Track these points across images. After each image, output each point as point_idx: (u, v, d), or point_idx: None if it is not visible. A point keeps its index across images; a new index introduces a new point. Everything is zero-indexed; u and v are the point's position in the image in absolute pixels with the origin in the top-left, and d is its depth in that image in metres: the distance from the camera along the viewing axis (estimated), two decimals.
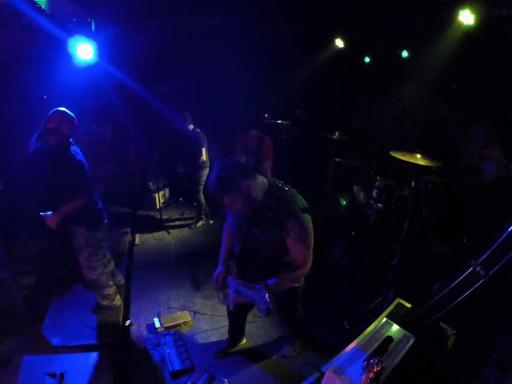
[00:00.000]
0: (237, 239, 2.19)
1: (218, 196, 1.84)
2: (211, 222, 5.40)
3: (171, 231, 5.10)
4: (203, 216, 5.31)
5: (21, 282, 3.36)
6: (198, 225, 5.26)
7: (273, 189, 1.96)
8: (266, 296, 1.79)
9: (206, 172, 5.03)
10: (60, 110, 2.69)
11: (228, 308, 2.62)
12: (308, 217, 1.95)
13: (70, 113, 2.72)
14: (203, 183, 5.08)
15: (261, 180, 1.97)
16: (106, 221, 3.04)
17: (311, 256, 2.01)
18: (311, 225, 1.96)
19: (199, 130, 4.89)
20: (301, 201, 1.98)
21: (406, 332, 1.88)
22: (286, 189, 1.99)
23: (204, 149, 4.83)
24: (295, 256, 1.99)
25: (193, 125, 4.88)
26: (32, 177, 2.95)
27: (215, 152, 5.59)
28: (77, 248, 2.88)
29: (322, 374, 1.71)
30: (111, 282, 3.13)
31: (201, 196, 5.14)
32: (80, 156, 2.76)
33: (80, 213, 2.75)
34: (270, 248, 2.04)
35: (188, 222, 5.40)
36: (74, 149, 2.75)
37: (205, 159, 4.89)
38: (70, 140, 2.76)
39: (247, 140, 4.31)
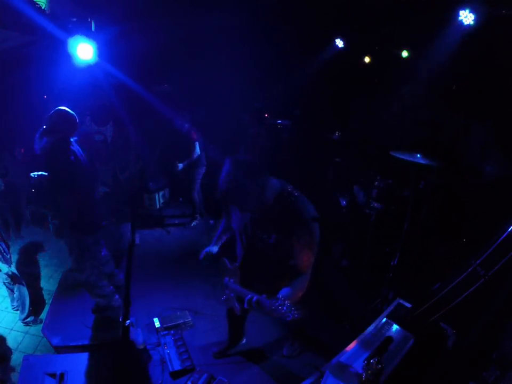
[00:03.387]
0: (241, 242, 2.17)
1: (229, 192, 1.80)
2: (210, 222, 5.40)
3: (171, 230, 5.10)
4: (197, 215, 5.31)
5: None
6: (192, 224, 5.26)
7: (283, 193, 1.93)
8: (288, 305, 1.74)
9: (201, 170, 5.04)
10: (60, 110, 2.67)
11: (228, 310, 2.62)
12: (317, 226, 1.93)
13: (70, 112, 2.70)
14: (197, 181, 5.09)
15: (273, 182, 1.93)
16: (103, 223, 3.02)
17: (312, 263, 1.99)
18: (318, 234, 1.94)
19: (194, 129, 4.91)
20: (311, 209, 1.95)
21: (406, 332, 1.88)
22: (296, 194, 1.96)
23: (197, 144, 4.84)
24: (300, 262, 1.97)
25: (189, 123, 4.90)
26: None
27: (214, 153, 5.59)
28: (68, 248, 2.89)
29: (322, 374, 1.71)
30: (103, 283, 3.11)
31: (195, 194, 5.14)
32: (78, 158, 2.72)
33: (72, 215, 2.75)
34: (276, 253, 2.02)
35: (187, 222, 5.40)
36: (74, 149, 2.72)
37: (199, 153, 4.89)
38: (71, 140, 2.74)
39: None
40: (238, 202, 1.88)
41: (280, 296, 1.82)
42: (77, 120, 2.74)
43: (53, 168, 2.65)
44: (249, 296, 1.92)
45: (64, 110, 2.68)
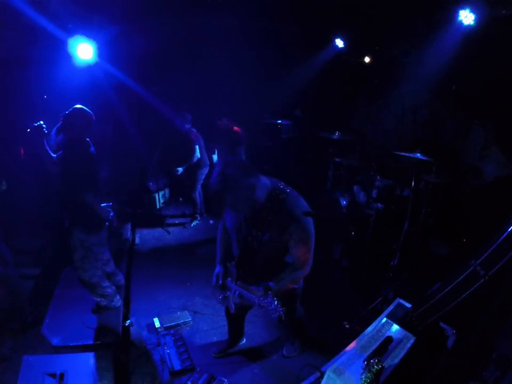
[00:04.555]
0: (237, 241, 2.18)
1: (220, 194, 1.83)
2: (210, 222, 5.40)
3: (171, 230, 5.10)
4: (197, 215, 5.31)
5: (21, 281, 3.36)
6: (192, 224, 5.26)
7: (275, 191, 1.95)
8: (276, 303, 1.77)
9: (204, 170, 5.03)
10: (77, 108, 2.69)
11: (226, 309, 2.63)
12: (310, 220, 1.94)
13: (87, 111, 2.72)
14: (200, 181, 5.08)
15: (264, 181, 1.95)
16: (107, 224, 3.02)
17: (311, 258, 2.01)
18: (313, 228, 1.96)
19: (193, 130, 4.90)
20: (303, 204, 1.97)
21: (406, 331, 1.87)
22: (288, 191, 1.97)
23: (197, 147, 4.83)
24: (296, 257, 1.99)
25: (189, 123, 4.89)
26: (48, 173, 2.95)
27: (214, 152, 5.59)
28: (72, 247, 2.89)
29: (322, 374, 1.71)
30: (106, 284, 3.11)
31: (197, 194, 5.14)
32: (93, 157, 2.77)
33: (77, 214, 2.76)
34: (271, 250, 2.04)
35: (187, 222, 5.39)
36: (90, 149, 2.76)
37: (199, 156, 4.89)
38: (87, 139, 2.77)
39: (217, 132, 4.74)
40: (229, 203, 1.89)
41: (267, 286, 1.85)
42: (94, 119, 2.77)
43: (68, 166, 2.65)
44: (233, 290, 1.99)
45: (81, 108, 2.71)
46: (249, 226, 2.03)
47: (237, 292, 2.11)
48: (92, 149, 2.79)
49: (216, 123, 4.92)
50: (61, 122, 2.72)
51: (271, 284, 1.97)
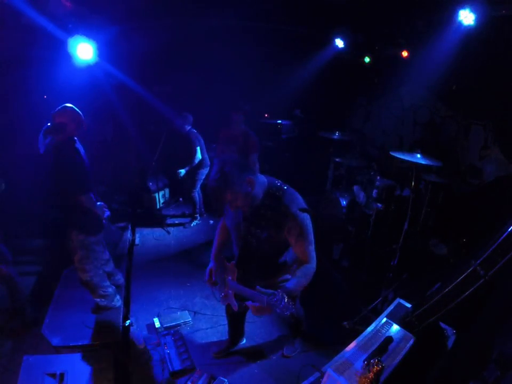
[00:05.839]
0: (236, 239, 2.19)
1: (218, 192, 1.84)
2: (210, 222, 5.41)
3: (171, 231, 5.10)
4: (197, 215, 5.32)
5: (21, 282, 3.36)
6: (192, 224, 5.27)
7: (272, 188, 1.97)
8: (286, 300, 1.75)
9: (205, 171, 5.03)
10: (68, 107, 2.64)
11: (226, 309, 2.63)
12: (307, 216, 1.95)
13: (77, 110, 2.67)
14: (200, 181, 5.08)
15: (261, 178, 1.98)
16: (104, 223, 3.01)
17: (314, 251, 2.00)
18: (311, 224, 1.96)
19: (194, 130, 4.89)
20: (300, 201, 1.98)
21: (406, 332, 1.88)
22: (285, 188, 1.98)
23: (198, 148, 4.82)
24: (299, 252, 1.99)
25: (190, 125, 4.88)
26: (41, 174, 2.89)
27: (215, 152, 5.59)
28: (71, 249, 2.87)
29: (322, 374, 1.71)
30: (107, 283, 3.11)
31: (196, 194, 5.14)
32: (82, 156, 2.71)
33: (75, 215, 2.74)
34: (270, 247, 2.04)
35: (187, 222, 5.40)
36: (79, 148, 2.71)
37: (200, 157, 4.87)
38: (75, 138, 2.71)
39: (230, 133, 4.48)
40: (228, 200, 1.89)
41: (285, 288, 1.82)
42: (83, 118, 2.71)
43: (58, 168, 2.61)
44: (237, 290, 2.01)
45: (70, 107, 2.65)
46: (248, 225, 2.04)
47: (242, 292, 2.06)
48: (80, 147, 2.71)
49: (231, 114, 4.49)
50: (50, 122, 2.62)
51: (287, 285, 1.88)
